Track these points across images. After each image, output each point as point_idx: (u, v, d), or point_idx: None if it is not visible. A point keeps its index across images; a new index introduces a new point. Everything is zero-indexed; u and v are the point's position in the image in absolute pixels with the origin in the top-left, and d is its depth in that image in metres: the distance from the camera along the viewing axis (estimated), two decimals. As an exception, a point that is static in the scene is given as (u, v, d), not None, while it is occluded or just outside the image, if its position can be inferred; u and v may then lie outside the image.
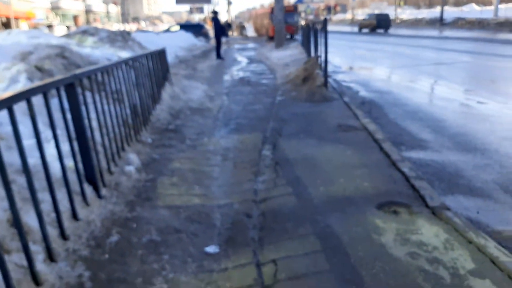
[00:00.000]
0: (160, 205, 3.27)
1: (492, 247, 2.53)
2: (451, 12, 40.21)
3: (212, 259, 2.55)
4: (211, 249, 2.66)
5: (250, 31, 42.38)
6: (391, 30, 35.36)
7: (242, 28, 41.48)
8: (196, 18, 52.21)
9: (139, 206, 3.20)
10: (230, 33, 36.08)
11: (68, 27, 38.50)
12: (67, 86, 2.84)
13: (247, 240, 2.77)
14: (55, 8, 54.93)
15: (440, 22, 36.83)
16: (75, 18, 58.48)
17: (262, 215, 3.10)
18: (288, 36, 26.57)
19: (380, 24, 35.37)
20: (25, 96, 2.12)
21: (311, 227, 2.87)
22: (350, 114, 6.21)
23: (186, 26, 25.86)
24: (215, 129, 5.66)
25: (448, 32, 28.97)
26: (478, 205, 3.35)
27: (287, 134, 5.23)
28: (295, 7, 31.37)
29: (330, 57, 8.46)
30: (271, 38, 25.05)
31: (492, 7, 33.79)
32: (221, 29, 16.30)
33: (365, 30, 37.50)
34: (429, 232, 2.77)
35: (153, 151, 4.54)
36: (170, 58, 8.83)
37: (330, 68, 9.03)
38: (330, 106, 6.84)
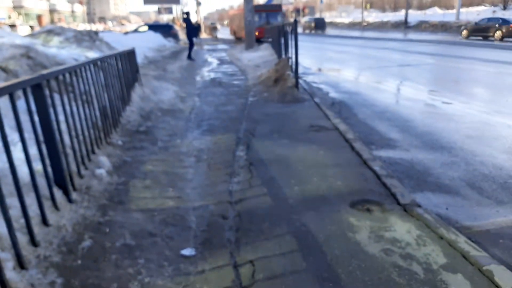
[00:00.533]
0: (134, 209, 3.20)
1: (463, 242, 2.62)
2: (415, 15, 41.58)
3: (189, 261, 2.52)
4: (187, 251, 2.63)
5: (224, 33, 41.96)
6: (358, 33, 36.16)
7: (213, 29, 41.28)
8: (165, 18, 51.49)
9: (112, 210, 3.12)
10: (200, 34, 35.28)
11: (31, 27, 37.08)
12: (34, 87, 2.73)
13: (224, 242, 2.76)
14: (17, 7, 52.84)
15: (404, 25, 38.02)
16: (39, 17, 56.45)
17: (238, 216, 3.09)
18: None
19: (317, 26, 44.10)
20: (-10, 97, 2.02)
21: (287, 227, 2.89)
22: (321, 115, 6.30)
23: (155, 27, 25.46)
24: (187, 130, 5.60)
25: (412, 35, 29.92)
26: (447, 201, 3.47)
27: (260, 135, 5.25)
28: (279, 6, 29.08)
29: (300, 59, 8.56)
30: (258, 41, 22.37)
31: (454, 11, 35.17)
32: (193, 30, 16.16)
33: (307, 31, 45.51)
34: (401, 229, 2.85)
35: (124, 154, 4.44)
36: (139, 59, 8.67)
37: (300, 70, 9.12)
38: (301, 107, 6.91)
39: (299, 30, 41.25)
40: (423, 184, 3.83)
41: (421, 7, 47.06)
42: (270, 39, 19.06)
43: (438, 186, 3.77)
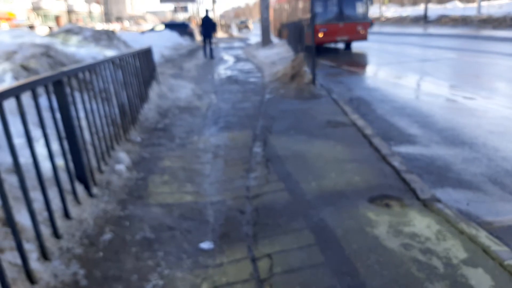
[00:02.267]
0: (152, 203, 3.24)
1: (483, 237, 2.58)
2: (435, 9, 40.78)
3: (207, 255, 2.55)
4: (206, 245, 2.65)
5: (255, 33, 38.19)
6: (376, 28, 35.70)
7: (227, 27, 41.25)
8: (181, 17, 51.88)
9: (131, 204, 3.17)
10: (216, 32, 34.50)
11: (50, 28, 37.85)
12: (55, 84, 2.80)
13: (241, 236, 2.77)
14: (36, 9, 53.99)
15: (424, 20, 37.34)
16: (57, 18, 57.56)
17: (255, 211, 3.10)
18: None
19: None
20: (14, 92, 2.08)
21: (304, 222, 2.89)
22: (338, 111, 6.25)
23: (171, 25, 25.67)
24: (204, 127, 5.64)
25: (432, 30, 29.38)
26: (468, 197, 3.40)
27: (277, 131, 5.24)
28: None
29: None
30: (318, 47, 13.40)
31: (475, 4, 34.37)
32: (212, 27, 16.24)
33: None
34: (421, 223, 2.81)
35: (143, 150, 4.50)
36: (156, 57, 8.77)
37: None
38: (318, 103, 6.88)
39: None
40: (443, 179, 3.76)
41: (441, 1, 46.25)
42: (339, 39, 15.89)
43: (459, 181, 3.71)
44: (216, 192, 3.47)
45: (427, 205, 3.06)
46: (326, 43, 16.36)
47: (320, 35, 15.26)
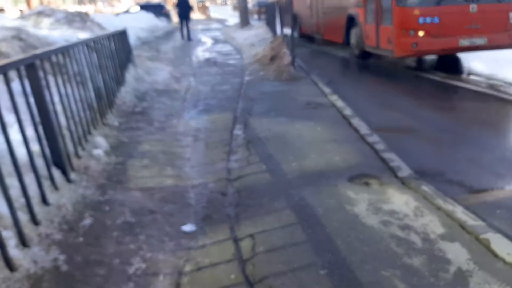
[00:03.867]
0: (133, 188, 3.21)
1: (460, 212, 2.65)
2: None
3: (189, 237, 2.55)
4: (188, 227, 2.65)
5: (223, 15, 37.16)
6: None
7: (204, 8, 40.34)
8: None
9: (111, 189, 3.13)
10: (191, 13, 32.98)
11: (21, 11, 36.32)
12: (28, 67, 2.70)
13: (224, 217, 2.79)
14: (4, -10, 51.61)
15: None
16: (27, 0, 55.27)
17: (237, 193, 3.12)
18: None
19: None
20: (-16, 76, 2.00)
21: (286, 201, 2.92)
22: (318, 92, 6.27)
23: (147, 7, 25.00)
24: (183, 110, 5.57)
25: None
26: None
27: (258, 113, 5.23)
28: None
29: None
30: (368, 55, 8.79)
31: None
32: (189, 8, 15.85)
33: None
34: (399, 201, 2.88)
35: (121, 134, 4.42)
36: (131, 40, 8.54)
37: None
38: (298, 85, 6.88)
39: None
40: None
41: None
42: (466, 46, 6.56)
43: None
44: (198, 175, 3.46)
45: (405, 183, 3.13)
46: (429, 54, 7.87)
47: (420, 33, 6.83)
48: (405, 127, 4.67)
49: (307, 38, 13.28)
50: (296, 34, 10.11)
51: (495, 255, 2.24)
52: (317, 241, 2.43)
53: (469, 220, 2.55)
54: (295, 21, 10.60)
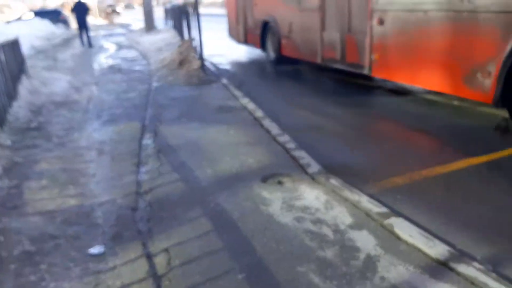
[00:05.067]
0: (30, 212, 2.90)
1: (365, 202, 2.81)
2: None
3: (98, 260, 2.36)
4: (96, 249, 2.45)
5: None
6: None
7: (114, 12, 38.00)
8: (52, 3, 46.96)
9: (5, 216, 2.81)
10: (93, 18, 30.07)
11: None
12: None
13: (135, 234, 2.63)
14: None
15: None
16: None
17: (148, 206, 2.97)
18: None
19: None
20: None
21: (201, 209, 2.84)
22: (229, 95, 6.28)
23: (42, 13, 23.06)
24: (86, 122, 5.20)
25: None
26: (349, 166, 3.69)
27: (168, 120, 5.07)
28: None
29: (205, 40, 8.42)
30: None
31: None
32: (86, 12, 14.87)
33: None
34: (310, 196, 2.97)
35: (14, 154, 3.99)
36: (25, 49, 7.78)
37: (206, 51, 8.96)
38: (209, 89, 6.83)
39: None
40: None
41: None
42: None
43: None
44: (104, 192, 3.23)
45: (315, 178, 3.24)
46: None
47: None
48: (314, 125, 4.87)
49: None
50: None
51: (398, 238, 2.41)
52: (234, 245, 2.41)
53: (374, 208, 2.72)
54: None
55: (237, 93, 6.36)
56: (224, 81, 7.33)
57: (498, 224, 2.64)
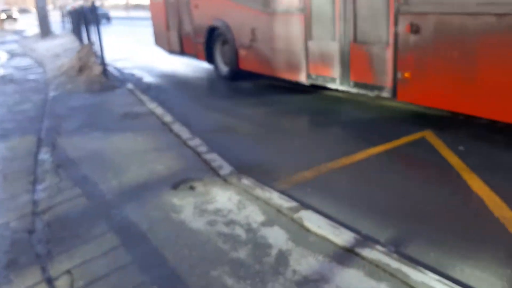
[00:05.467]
0: None
1: (276, 198, 2.87)
2: None
3: (-13, 294, 2.09)
4: (-16, 283, 2.17)
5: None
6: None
7: (9, 18, 33.87)
8: None
9: None
10: None
11: None
12: None
13: (33, 258, 2.38)
14: None
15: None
16: None
17: (47, 227, 2.71)
18: None
19: None
20: None
21: (106, 225, 2.67)
22: (136, 101, 6.02)
23: None
24: (-29, 140, 4.61)
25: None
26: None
27: (68, 131, 4.70)
28: None
29: (108, 44, 7.98)
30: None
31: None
32: None
33: None
34: (223, 198, 2.95)
35: None
36: None
37: (109, 56, 8.51)
38: (113, 95, 6.48)
39: (130, 14, 36.17)
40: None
41: None
42: None
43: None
44: (-6, 216, 2.88)
45: (227, 180, 3.23)
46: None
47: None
48: (225, 126, 4.87)
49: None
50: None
51: (308, 230, 2.49)
52: (144, 258, 2.29)
53: (285, 203, 2.78)
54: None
55: (144, 97, 6.13)
56: (130, 86, 7.02)
57: (399, 208, 2.87)
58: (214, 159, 3.64)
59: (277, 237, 2.44)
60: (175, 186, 3.17)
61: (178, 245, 2.39)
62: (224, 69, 7.24)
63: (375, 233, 2.53)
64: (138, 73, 8.81)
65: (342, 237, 2.37)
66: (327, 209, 2.81)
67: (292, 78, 5.71)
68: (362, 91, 4.81)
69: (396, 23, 4.13)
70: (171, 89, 7.11)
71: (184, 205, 2.85)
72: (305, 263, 2.19)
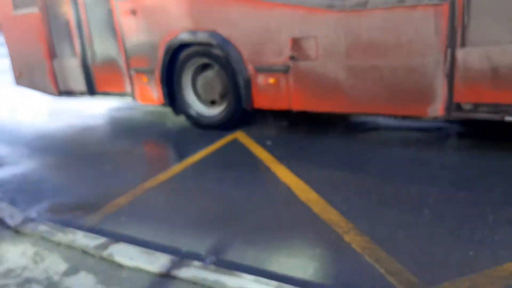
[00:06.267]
0: None
1: (81, 238, 2.49)
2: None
3: None
4: None
5: None
6: None
7: None
8: None
9: None
10: None
11: None
12: None
13: None
14: None
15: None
16: None
17: None
18: None
19: None
20: None
21: None
22: None
23: None
24: None
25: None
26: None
27: None
28: None
29: None
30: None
31: None
32: None
33: None
34: (15, 254, 2.42)
35: None
36: None
37: None
38: None
39: None
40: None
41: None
42: None
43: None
44: None
45: (20, 231, 2.69)
46: None
47: None
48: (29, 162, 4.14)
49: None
50: None
51: (120, 266, 2.22)
52: None
53: (91, 242, 2.43)
54: None
55: None
56: None
57: (216, 214, 2.82)
58: (3, 208, 3.00)
59: (83, 283, 2.09)
60: None
61: None
62: (206, 111, 4.71)
63: (195, 247, 2.42)
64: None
65: (158, 263, 2.17)
66: (144, 234, 2.59)
67: (413, 113, 3.58)
68: None
69: None
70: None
71: (-44, 278, 2.23)
72: (118, 305, 1.92)
